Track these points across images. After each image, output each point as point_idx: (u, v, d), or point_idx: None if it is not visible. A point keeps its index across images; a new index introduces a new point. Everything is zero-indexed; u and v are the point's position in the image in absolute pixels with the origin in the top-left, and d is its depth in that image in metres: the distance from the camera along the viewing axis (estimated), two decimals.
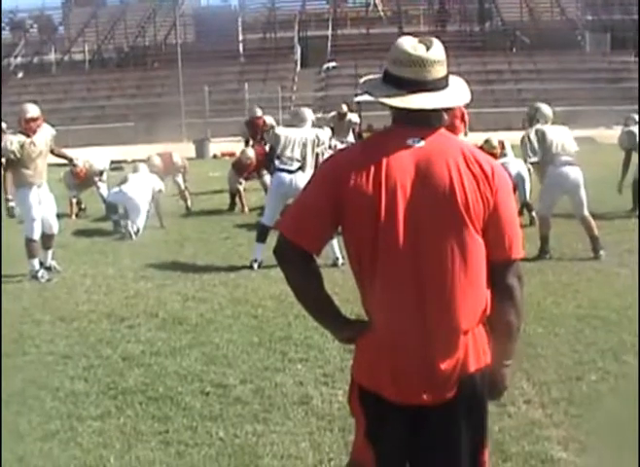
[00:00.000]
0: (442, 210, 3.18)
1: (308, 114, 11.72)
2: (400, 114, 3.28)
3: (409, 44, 3.24)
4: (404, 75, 3.22)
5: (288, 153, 11.05)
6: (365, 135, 26.87)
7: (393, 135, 3.32)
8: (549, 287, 9.43)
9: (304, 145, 11.11)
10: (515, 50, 47.13)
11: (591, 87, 37.19)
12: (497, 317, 3.33)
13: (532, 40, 46.41)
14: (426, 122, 3.26)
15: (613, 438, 5.40)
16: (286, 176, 10.87)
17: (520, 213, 13.83)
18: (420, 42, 3.26)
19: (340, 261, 10.29)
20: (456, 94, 3.31)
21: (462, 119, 20.94)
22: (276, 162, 11.09)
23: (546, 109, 11.47)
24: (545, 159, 11.08)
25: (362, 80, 3.46)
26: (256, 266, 10.91)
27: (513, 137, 17.78)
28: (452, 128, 20.31)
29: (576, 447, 5.29)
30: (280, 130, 11.67)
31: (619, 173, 14.34)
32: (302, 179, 10.81)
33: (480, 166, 3.24)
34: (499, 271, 3.30)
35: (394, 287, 3.20)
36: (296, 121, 11.70)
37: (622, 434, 5.43)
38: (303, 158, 11.07)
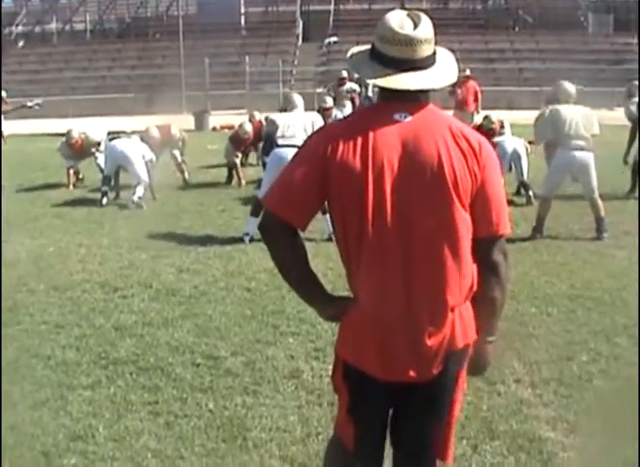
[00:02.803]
0: (429, 185, 3.17)
1: (298, 99, 11.58)
2: (387, 91, 3.26)
3: (397, 21, 3.21)
4: (391, 53, 3.20)
5: (290, 133, 10.85)
6: None
7: (380, 110, 3.31)
8: (543, 267, 9.43)
9: (305, 129, 10.92)
10: (517, 28, 46.94)
11: (593, 67, 37.10)
12: (482, 293, 3.33)
13: (535, 19, 46.29)
14: (413, 97, 3.24)
15: (602, 419, 5.43)
16: (288, 151, 10.75)
17: (518, 192, 13.83)
18: (408, 17, 3.23)
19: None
20: (443, 73, 3.28)
21: (475, 96, 20.98)
22: (279, 141, 10.84)
23: (567, 87, 11.17)
24: (555, 139, 10.90)
25: (348, 53, 3.41)
26: (247, 239, 10.88)
27: (513, 116, 17.83)
28: (465, 104, 20.43)
29: (564, 427, 5.30)
30: (276, 116, 11.50)
31: (622, 150, 14.33)
32: None
33: (468, 141, 3.23)
34: (485, 247, 3.30)
35: (380, 263, 3.19)
36: (287, 105, 11.59)
37: (612, 415, 5.46)
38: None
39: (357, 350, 3.31)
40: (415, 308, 3.19)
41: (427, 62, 3.22)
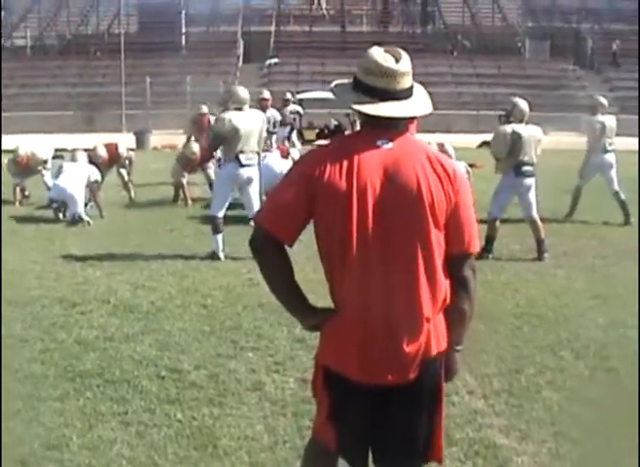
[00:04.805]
0: (409, 208, 3.48)
1: (246, 94, 11.36)
2: (370, 119, 3.57)
3: (380, 55, 3.54)
4: (375, 84, 3.52)
5: (251, 147, 10.97)
6: (305, 132, 27.09)
7: (363, 137, 3.62)
8: (488, 286, 9.71)
9: (259, 135, 11.20)
10: (455, 53, 47.71)
11: (530, 93, 37.77)
12: (452, 305, 3.64)
13: (473, 44, 47.14)
14: (393, 126, 3.57)
15: (551, 426, 5.76)
16: (245, 171, 10.95)
17: None
18: (387, 52, 3.57)
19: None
20: (421, 104, 3.63)
21: (416, 120, 21.37)
22: (241, 157, 10.88)
23: (522, 105, 11.47)
24: (510, 160, 11.27)
25: (332, 84, 3.74)
26: (222, 256, 11.12)
27: (450, 140, 18.20)
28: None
29: (517, 434, 5.63)
30: (237, 121, 10.95)
31: (561, 173, 14.75)
32: (254, 170, 11.07)
33: (443, 167, 3.56)
34: (456, 264, 3.62)
35: (363, 277, 3.48)
36: (234, 100, 11.28)
37: (560, 423, 5.80)
38: (259, 148, 11.26)
39: (339, 356, 3.58)
40: (394, 318, 3.49)
41: (407, 93, 3.55)
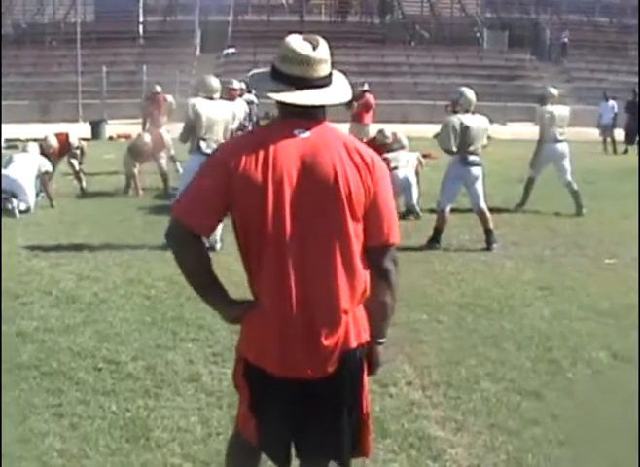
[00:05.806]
0: (326, 198, 3.43)
1: (216, 83, 11.42)
2: (287, 108, 3.51)
3: (297, 43, 3.48)
4: (292, 72, 3.45)
5: (214, 136, 10.87)
6: (261, 122, 26.97)
7: (280, 126, 3.56)
8: (434, 276, 9.76)
9: (225, 125, 11.12)
10: (413, 43, 47.74)
11: (488, 83, 37.95)
12: (373, 298, 3.59)
13: (431, 34, 47.19)
14: (311, 114, 3.51)
15: (487, 418, 5.74)
16: None
17: (403, 217, 13.14)
18: (306, 40, 3.50)
19: (219, 245, 10.42)
20: (339, 92, 3.56)
21: (371, 110, 21.31)
22: (202, 145, 10.79)
23: (470, 95, 11.46)
24: (456, 150, 11.27)
25: (249, 74, 3.68)
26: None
27: (407, 129, 18.21)
28: (360, 118, 20.76)
29: (453, 426, 5.61)
30: (201, 107, 11.03)
31: (513, 164, 14.77)
32: None
33: (362, 157, 3.50)
34: (377, 255, 3.56)
35: (280, 269, 3.43)
36: (204, 89, 11.31)
37: (496, 414, 5.79)
38: (223, 138, 11.01)
39: (257, 349, 3.53)
40: (312, 311, 3.44)
41: (325, 81, 3.49)
